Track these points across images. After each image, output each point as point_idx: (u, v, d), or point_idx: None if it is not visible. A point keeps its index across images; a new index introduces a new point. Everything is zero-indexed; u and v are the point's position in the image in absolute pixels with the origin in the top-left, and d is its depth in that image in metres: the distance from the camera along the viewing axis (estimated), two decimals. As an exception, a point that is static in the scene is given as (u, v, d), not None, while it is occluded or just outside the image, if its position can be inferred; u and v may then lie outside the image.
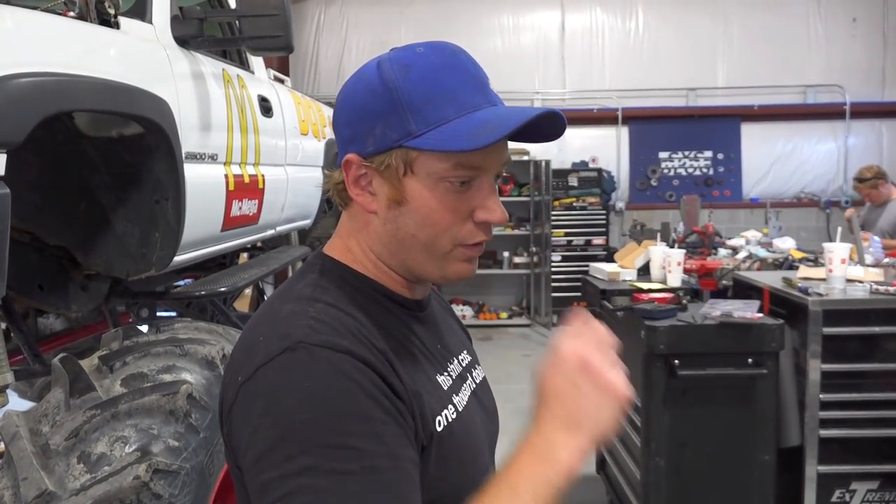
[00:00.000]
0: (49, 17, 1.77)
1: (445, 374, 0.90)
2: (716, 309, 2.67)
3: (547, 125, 0.85)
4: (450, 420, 0.84)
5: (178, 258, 2.31)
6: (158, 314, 2.75)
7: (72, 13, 2.00)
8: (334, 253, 0.91)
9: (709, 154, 8.93)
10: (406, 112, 0.80)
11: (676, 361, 2.51)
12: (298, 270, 0.90)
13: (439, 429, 0.81)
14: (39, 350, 2.36)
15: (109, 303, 2.56)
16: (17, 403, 3.49)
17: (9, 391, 3.54)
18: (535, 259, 8.31)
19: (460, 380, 0.93)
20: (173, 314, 3.27)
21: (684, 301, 2.82)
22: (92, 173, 2.16)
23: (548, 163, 8.09)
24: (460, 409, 0.87)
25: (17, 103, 1.45)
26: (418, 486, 0.73)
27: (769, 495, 2.58)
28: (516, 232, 8.40)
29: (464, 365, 0.98)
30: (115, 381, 1.61)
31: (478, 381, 0.99)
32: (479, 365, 1.04)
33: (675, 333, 2.53)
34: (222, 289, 2.69)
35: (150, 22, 2.33)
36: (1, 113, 1.41)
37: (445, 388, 0.87)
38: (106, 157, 2.13)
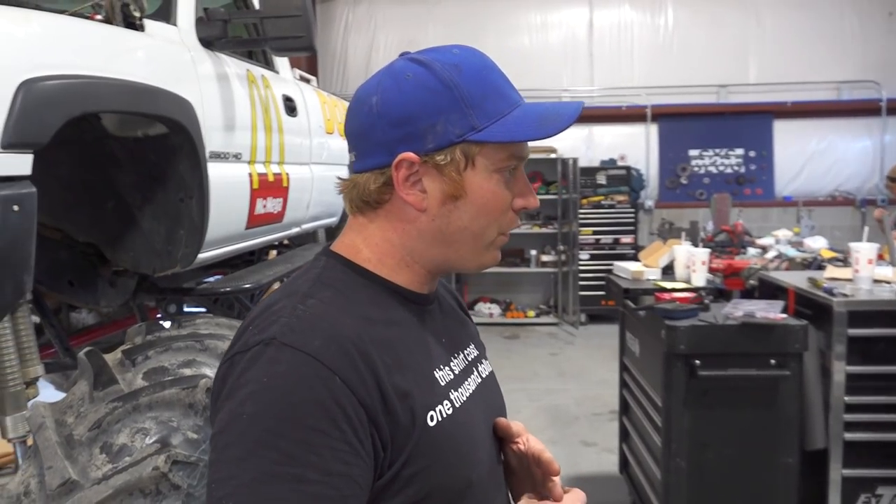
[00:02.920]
0: (75, 21, 1.82)
1: (447, 368, 0.91)
2: (738, 309, 2.65)
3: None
4: (444, 415, 0.85)
5: (202, 255, 2.35)
6: (187, 310, 2.81)
7: (99, 16, 2.06)
8: (340, 250, 0.92)
9: (740, 152, 8.81)
10: (468, 108, 0.85)
11: (697, 362, 2.50)
12: (305, 266, 0.92)
13: (431, 423, 0.82)
14: (70, 344, 2.42)
15: (137, 298, 2.63)
16: (52, 395, 3.59)
17: (46, 383, 3.64)
18: (563, 257, 8.28)
19: (464, 374, 0.94)
20: (202, 310, 3.33)
21: (707, 301, 2.79)
22: (119, 172, 2.21)
23: (575, 161, 8.06)
24: (457, 405, 0.88)
25: (42, 105, 1.49)
26: (348, 502, 0.73)
27: (792, 499, 2.55)
28: (544, 230, 8.38)
29: (470, 359, 0.99)
30: (137, 374, 1.65)
31: (484, 376, 1.00)
32: (485, 359, 1.05)
33: (695, 333, 2.52)
34: (247, 285, 2.74)
35: (175, 24, 2.37)
36: (27, 115, 1.45)
37: (443, 383, 0.88)
38: (132, 156, 2.18)
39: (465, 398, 0.91)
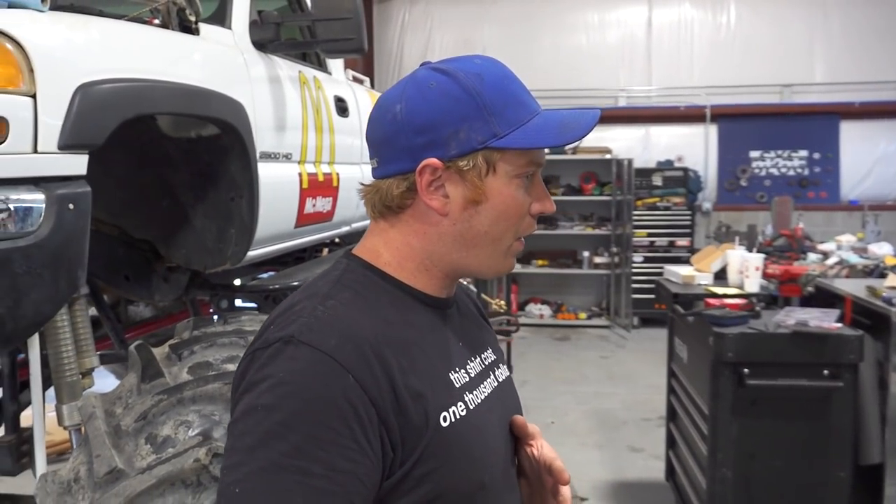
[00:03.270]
0: (132, 27, 1.89)
1: (462, 371, 0.92)
2: (791, 317, 2.58)
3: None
4: (458, 416, 0.86)
5: (252, 253, 2.41)
6: (239, 305, 2.88)
7: (156, 21, 2.13)
8: (361, 253, 0.95)
9: (804, 153, 8.54)
10: (490, 115, 0.88)
11: (746, 370, 2.44)
12: (327, 268, 0.95)
13: (444, 424, 0.84)
14: (125, 337, 2.52)
15: (189, 293, 2.71)
16: (113, 385, 3.73)
17: (108, 373, 3.78)
18: (616, 259, 8.17)
19: (480, 377, 0.95)
20: (254, 306, 3.41)
21: (758, 308, 2.72)
22: (173, 172, 2.28)
23: (630, 161, 7.95)
24: (472, 407, 0.89)
25: (97, 108, 1.56)
26: (352, 502, 0.76)
27: (844, 513, 2.47)
28: (597, 231, 8.29)
29: (487, 363, 1.00)
30: (183, 368, 1.71)
31: (500, 380, 1.01)
32: (503, 364, 1.06)
33: (744, 341, 2.46)
34: (295, 283, 2.79)
35: (230, 27, 2.44)
36: (83, 117, 1.52)
37: (458, 385, 0.90)
38: (186, 156, 2.25)
39: (479, 401, 0.92)
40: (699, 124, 8.61)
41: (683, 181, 8.28)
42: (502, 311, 3.88)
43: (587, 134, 0.90)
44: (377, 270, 0.93)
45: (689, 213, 8.21)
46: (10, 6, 1.59)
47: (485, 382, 0.96)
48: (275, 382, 0.78)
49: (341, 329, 0.82)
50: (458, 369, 0.92)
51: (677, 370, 3.29)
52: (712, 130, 8.65)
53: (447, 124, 0.87)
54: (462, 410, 0.87)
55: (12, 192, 1.42)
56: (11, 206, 1.44)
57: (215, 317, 2.28)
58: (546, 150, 0.95)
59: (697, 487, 2.79)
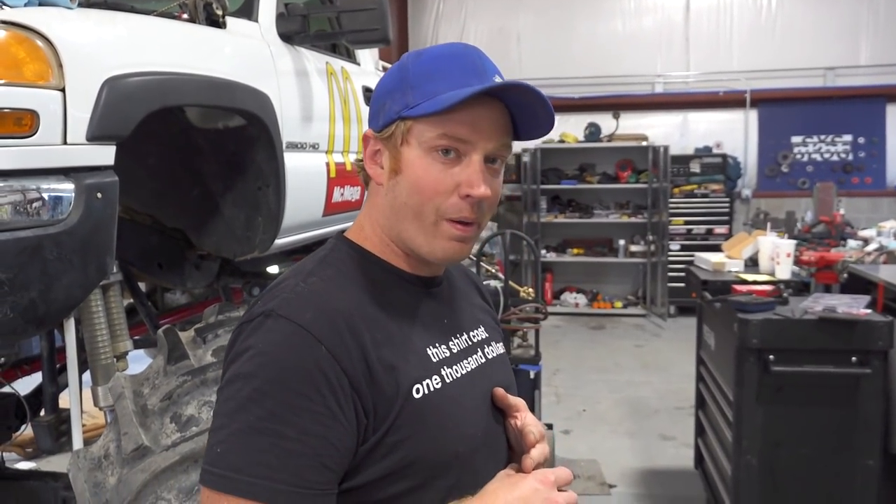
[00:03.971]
0: (159, 21, 1.95)
1: (442, 346, 0.96)
2: (819, 304, 2.54)
3: (539, 110, 0.93)
4: (432, 389, 0.90)
5: (280, 241, 2.47)
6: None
7: (184, 16, 2.19)
8: (349, 232, 1.01)
9: (848, 138, 8.32)
10: (409, 88, 0.92)
11: (771, 357, 2.42)
12: (319, 248, 1.00)
13: (417, 395, 0.88)
14: (159, 322, 2.61)
15: (221, 281, 2.79)
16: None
17: (147, 357, 3.90)
18: (652, 248, 8.09)
19: (463, 354, 0.99)
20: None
21: (786, 294, 2.69)
22: (202, 162, 2.35)
23: (666, 148, 7.85)
24: (448, 381, 0.93)
25: (124, 101, 1.62)
26: (324, 464, 0.81)
27: (871, 502, 2.43)
28: (633, 220, 8.21)
29: (475, 340, 1.03)
30: (207, 351, 1.78)
31: (489, 357, 1.04)
32: (495, 342, 1.08)
33: (770, 327, 2.43)
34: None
35: (256, 20, 2.49)
36: (110, 110, 1.58)
37: (435, 360, 0.94)
38: (214, 147, 2.31)
39: (459, 375, 0.95)
40: (739, 109, 8.46)
41: (722, 168, 8.14)
42: (531, 298, 3.88)
43: (463, 100, 0.86)
44: (360, 249, 0.98)
45: (727, 200, 8.08)
46: (41, 4, 1.67)
47: (469, 358, 0.99)
48: (255, 353, 0.84)
49: (318, 303, 0.87)
50: (437, 345, 0.95)
51: (705, 358, 3.27)
52: (752, 116, 8.48)
53: (379, 98, 0.96)
54: (437, 383, 0.91)
55: (43, 182, 1.49)
56: (44, 195, 1.51)
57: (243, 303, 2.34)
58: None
59: (724, 475, 2.78)
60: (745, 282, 3.01)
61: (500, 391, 1.00)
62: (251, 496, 0.78)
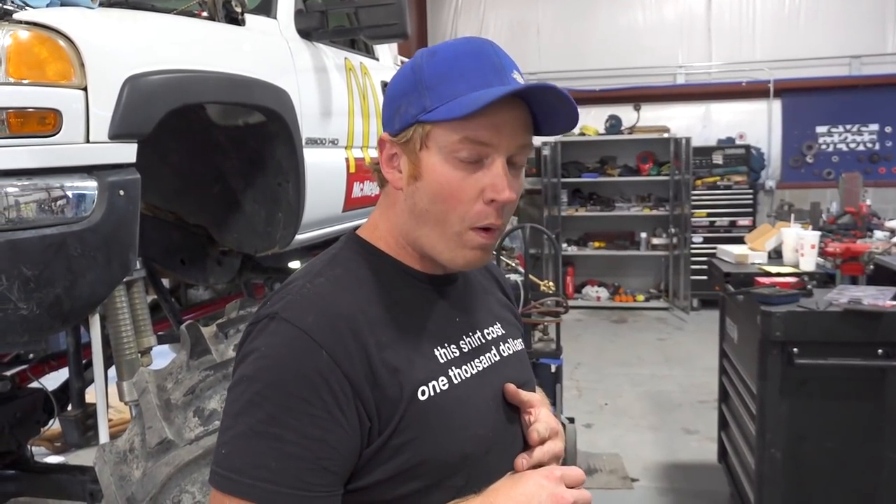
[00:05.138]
0: (179, 20, 1.97)
1: (451, 346, 0.94)
2: (843, 295, 2.51)
3: (561, 106, 0.89)
4: (438, 390, 0.88)
5: (300, 236, 2.49)
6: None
7: (204, 14, 2.21)
8: (362, 230, 1.00)
9: (875, 127, 8.17)
10: (425, 90, 0.88)
11: (795, 349, 2.39)
12: (330, 246, 1.00)
13: (422, 397, 0.87)
14: (182, 318, 2.64)
15: (243, 276, 2.81)
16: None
17: (172, 352, 3.95)
18: (674, 241, 8.02)
19: (475, 353, 0.97)
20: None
21: (810, 286, 2.65)
22: (223, 159, 2.37)
23: (688, 140, 7.76)
24: (456, 381, 0.91)
25: (145, 99, 1.64)
26: (324, 466, 0.81)
27: (899, 496, 2.40)
28: (655, 212, 8.14)
29: (489, 338, 1.01)
30: (229, 346, 1.80)
31: (504, 355, 1.02)
32: (512, 339, 1.06)
33: (793, 320, 2.40)
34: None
35: (275, 17, 2.50)
36: (131, 108, 1.60)
37: (443, 360, 0.92)
38: (235, 143, 2.33)
39: (468, 375, 0.93)
40: (762, 100, 8.34)
41: (745, 159, 8.04)
42: (551, 291, 3.87)
43: (490, 105, 0.83)
44: (370, 247, 0.96)
45: (751, 191, 7.98)
46: (63, 4, 1.69)
47: (481, 357, 0.97)
48: (258, 356, 0.85)
49: (321, 306, 0.86)
50: (446, 345, 0.93)
51: (728, 351, 3.25)
52: (776, 106, 8.36)
53: (395, 101, 0.92)
54: (444, 385, 0.89)
55: (67, 180, 1.51)
56: (68, 193, 1.53)
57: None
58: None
59: (748, 469, 2.75)
60: (768, 274, 2.98)
61: (511, 387, 0.97)
62: (253, 498, 0.79)
